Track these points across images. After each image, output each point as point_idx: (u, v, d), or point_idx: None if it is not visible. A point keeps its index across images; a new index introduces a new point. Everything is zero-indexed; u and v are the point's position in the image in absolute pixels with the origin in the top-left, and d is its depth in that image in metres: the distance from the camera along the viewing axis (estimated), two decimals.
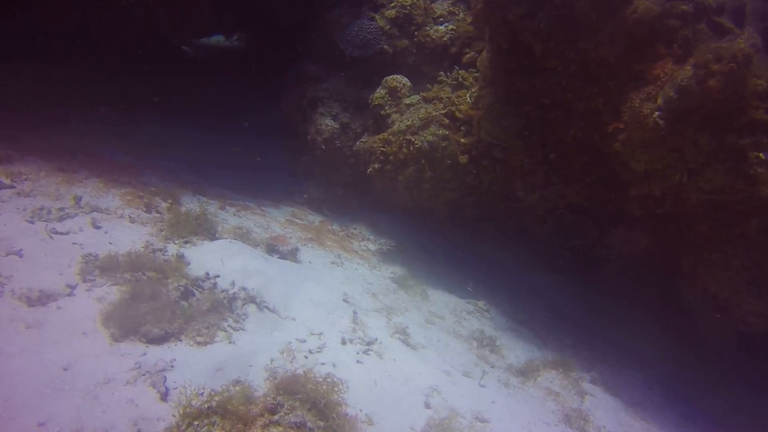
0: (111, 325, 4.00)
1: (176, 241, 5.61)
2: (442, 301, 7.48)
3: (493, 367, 5.95)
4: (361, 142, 9.09)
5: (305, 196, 9.73)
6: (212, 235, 6.01)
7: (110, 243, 5.19)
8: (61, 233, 5.13)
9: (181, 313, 4.26)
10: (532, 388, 5.81)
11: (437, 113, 7.69)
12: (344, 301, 5.75)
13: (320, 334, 4.81)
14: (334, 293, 5.81)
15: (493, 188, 7.95)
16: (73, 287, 4.40)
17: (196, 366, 3.89)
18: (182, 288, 4.57)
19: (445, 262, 8.85)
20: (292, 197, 10.02)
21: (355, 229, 9.26)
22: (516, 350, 6.78)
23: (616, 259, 7.92)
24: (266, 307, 4.88)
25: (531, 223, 8.21)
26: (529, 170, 7.54)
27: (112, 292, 4.41)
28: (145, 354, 3.88)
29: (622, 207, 7.09)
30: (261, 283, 5.12)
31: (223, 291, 4.81)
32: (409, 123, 7.67)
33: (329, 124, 9.17)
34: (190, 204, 7.03)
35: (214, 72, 13.49)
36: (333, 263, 7.03)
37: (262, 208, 8.76)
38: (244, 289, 4.91)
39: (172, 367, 3.83)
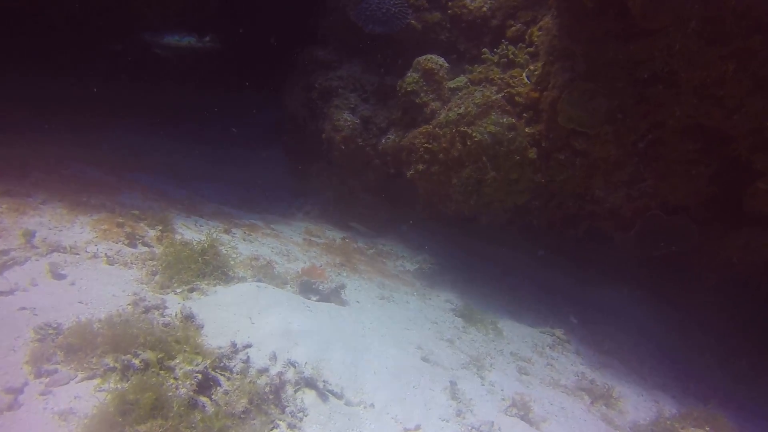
0: None
1: (177, 290, 3.86)
2: (516, 335, 5.88)
3: None
4: (388, 139, 7.41)
5: (321, 207, 8.01)
6: (225, 275, 4.27)
7: (80, 302, 3.43)
8: (3, 292, 3.36)
9: (204, 429, 2.53)
10: None
11: (497, 97, 6.05)
12: (423, 360, 4.05)
13: (418, 428, 3.11)
14: (407, 349, 4.11)
15: (566, 188, 6.35)
16: (18, 391, 2.64)
17: None
18: (199, 375, 2.84)
19: (499, 280, 7.26)
20: (302, 209, 8.32)
21: (384, 245, 7.60)
22: (628, 397, 5.22)
23: (719, 268, 6.39)
24: (330, 392, 3.16)
25: (610, 227, 6.63)
26: (615, 163, 5.95)
27: (85, 396, 2.66)
28: None
29: (741, 205, 5.57)
30: (315, 352, 3.39)
31: (262, 372, 3.08)
32: (461, 111, 6.00)
33: (348, 119, 7.46)
34: (187, 230, 5.27)
35: (194, 74, 11.71)
36: (382, 298, 5.33)
37: (272, 226, 7.03)
38: (293, 364, 3.19)
39: None
